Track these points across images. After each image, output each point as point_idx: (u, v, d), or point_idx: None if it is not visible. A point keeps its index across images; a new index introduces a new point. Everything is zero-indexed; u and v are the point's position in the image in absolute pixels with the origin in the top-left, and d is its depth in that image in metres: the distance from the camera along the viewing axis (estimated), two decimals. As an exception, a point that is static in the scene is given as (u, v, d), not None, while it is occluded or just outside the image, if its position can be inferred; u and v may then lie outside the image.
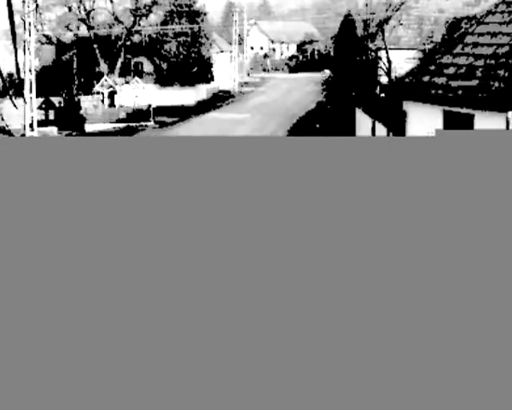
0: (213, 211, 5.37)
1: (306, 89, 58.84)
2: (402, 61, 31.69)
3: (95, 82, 49.27)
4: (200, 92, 54.09)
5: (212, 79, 56.03)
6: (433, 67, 17.86)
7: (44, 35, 52.71)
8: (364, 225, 5.34)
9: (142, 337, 5.32)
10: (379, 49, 33.65)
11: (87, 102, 45.66)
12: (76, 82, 49.34)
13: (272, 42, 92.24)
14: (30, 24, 26.98)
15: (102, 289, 5.36)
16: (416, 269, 5.29)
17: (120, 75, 51.62)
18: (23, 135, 28.21)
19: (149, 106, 44.88)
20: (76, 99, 46.16)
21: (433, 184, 5.35)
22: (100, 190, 5.41)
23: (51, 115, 43.33)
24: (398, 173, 5.38)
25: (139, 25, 54.39)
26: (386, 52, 30.59)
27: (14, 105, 28.66)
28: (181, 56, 52.54)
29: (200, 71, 53.79)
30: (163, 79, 52.16)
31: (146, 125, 43.18)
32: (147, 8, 54.23)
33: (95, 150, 5.50)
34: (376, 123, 26.72)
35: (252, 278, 5.33)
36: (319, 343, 5.27)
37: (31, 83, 26.71)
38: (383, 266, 5.32)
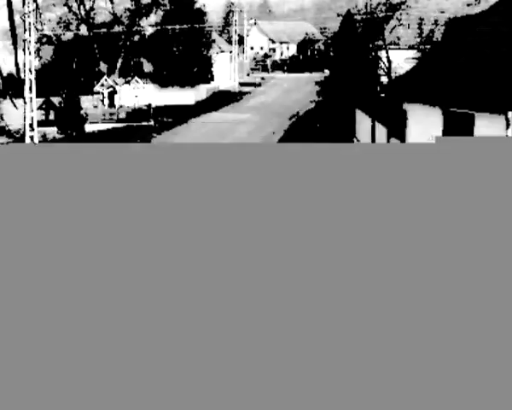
0: (209, 221, 5.37)
1: (306, 89, 58.79)
2: (402, 61, 31.67)
3: (95, 82, 49.25)
4: (200, 92, 54.03)
5: (212, 79, 55.97)
6: (433, 68, 17.84)
7: (44, 35, 52.68)
8: (362, 231, 5.34)
9: (136, 352, 5.32)
10: (379, 48, 33.62)
11: (87, 102, 45.65)
12: (76, 82, 49.31)
13: (272, 42, 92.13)
14: (30, 24, 26.95)
15: (98, 295, 5.36)
16: (414, 276, 5.29)
17: (120, 75, 51.59)
18: (23, 135, 28.20)
19: (149, 106, 44.86)
20: (76, 99, 46.13)
21: (430, 190, 5.35)
22: (94, 196, 5.42)
23: (51, 115, 43.32)
24: (396, 180, 5.38)
25: (139, 25, 54.35)
26: (387, 52, 30.57)
27: (14, 105, 28.64)
28: (181, 56, 52.48)
29: (200, 71, 53.72)
30: (163, 79, 52.08)
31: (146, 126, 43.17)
32: (147, 8, 54.19)
33: (88, 157, 5.52)
34: (376, 123, 26.72)
35: (250, 285, 5.34)
36: (312, 349, 5.27)
37: (31, 83, 26.70)
38: (380, 272, 5.32)
